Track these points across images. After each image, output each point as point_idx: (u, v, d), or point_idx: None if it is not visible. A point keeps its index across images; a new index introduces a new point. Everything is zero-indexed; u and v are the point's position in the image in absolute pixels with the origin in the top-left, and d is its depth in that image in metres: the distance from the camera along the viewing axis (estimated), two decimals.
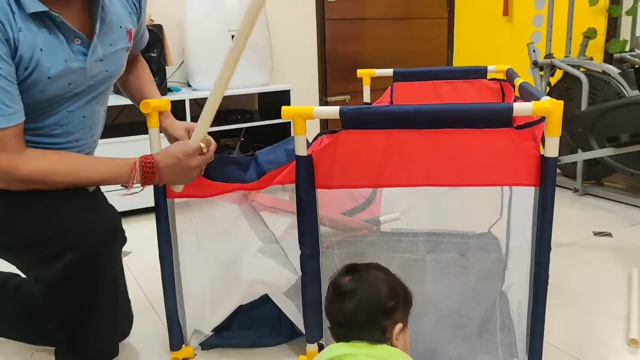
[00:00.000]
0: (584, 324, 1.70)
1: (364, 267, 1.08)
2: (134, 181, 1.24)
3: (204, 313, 1.62)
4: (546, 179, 1.19)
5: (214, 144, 1.38)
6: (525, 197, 1.28)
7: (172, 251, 1.50)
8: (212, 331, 1.65)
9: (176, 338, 1.57)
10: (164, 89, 2.79)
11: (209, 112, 1.31)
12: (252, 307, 1.66)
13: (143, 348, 1.64)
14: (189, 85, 3.13)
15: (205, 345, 1.62)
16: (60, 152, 1.27)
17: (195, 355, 1.59)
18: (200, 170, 1.34)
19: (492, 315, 1.44)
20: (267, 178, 1.43)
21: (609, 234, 2.41)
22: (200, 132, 1.33)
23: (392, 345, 1.02)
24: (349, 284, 1.04)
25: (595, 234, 2.43)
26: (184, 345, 1.59)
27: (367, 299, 1.02)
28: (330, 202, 1.45)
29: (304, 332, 1.48)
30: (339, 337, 1.05)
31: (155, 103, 1.40)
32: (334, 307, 1.06)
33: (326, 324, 1.15)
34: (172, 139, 1.47)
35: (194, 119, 2.96)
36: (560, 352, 1.54)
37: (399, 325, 1.03)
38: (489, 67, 2.07)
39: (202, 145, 1.32)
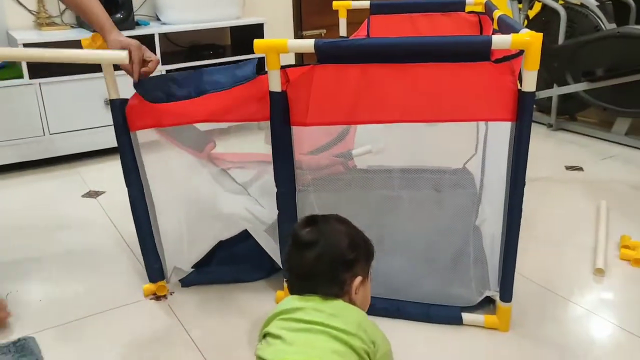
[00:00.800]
0: (553, 255, 1.75)
1: (324, 218, 1.04)
2: None
3: (182, 249, 1.62)
4: (523, 113, 1.18)
5: None
6: (501, 132, 1.28)
7: (140, 181, 1.47)
8: (192, 268, 1.66)
9: (153, 272, 1.57)
10: (130, 23, 2.67)
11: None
12: (233, 243, 1.66)
13: (117, 282, 1.67)
14: (158, 19, 2.99)
15: (185, 281, 1.63)
16: None
17: (172, 293, 1.60)
18: None
19: (466, 249, 1.47)
20: (208, 100, 1.35)
21: (580, 168, 2.46)
22: None
23: (350, 299, 1.00)
24: (308, 235, 1.00)
25: (567, 168, 2.47)
26: (164, 281, 1.60)
27: (327, 251, 0.98)
28: (306, 138, 1.42)
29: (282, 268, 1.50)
30: (295, 289, 1.01)
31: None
32: (293, 258, 1.02)
33: (285, 276, 1.13)
34: None
35: (164, 55, 2.85)
36: (530, 282, 1.60)
37: (359, 279, 1.00)
38: None
39: None
